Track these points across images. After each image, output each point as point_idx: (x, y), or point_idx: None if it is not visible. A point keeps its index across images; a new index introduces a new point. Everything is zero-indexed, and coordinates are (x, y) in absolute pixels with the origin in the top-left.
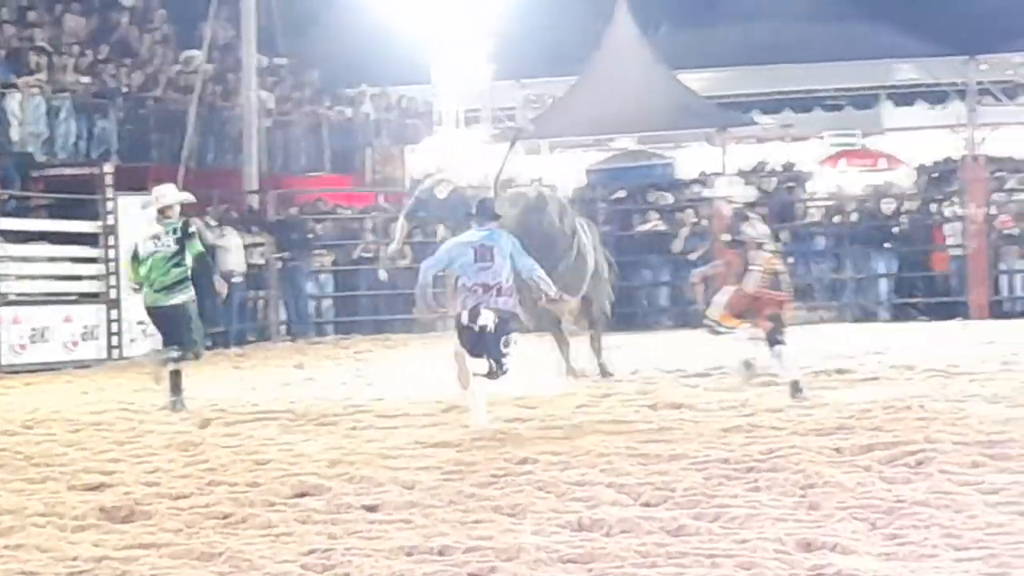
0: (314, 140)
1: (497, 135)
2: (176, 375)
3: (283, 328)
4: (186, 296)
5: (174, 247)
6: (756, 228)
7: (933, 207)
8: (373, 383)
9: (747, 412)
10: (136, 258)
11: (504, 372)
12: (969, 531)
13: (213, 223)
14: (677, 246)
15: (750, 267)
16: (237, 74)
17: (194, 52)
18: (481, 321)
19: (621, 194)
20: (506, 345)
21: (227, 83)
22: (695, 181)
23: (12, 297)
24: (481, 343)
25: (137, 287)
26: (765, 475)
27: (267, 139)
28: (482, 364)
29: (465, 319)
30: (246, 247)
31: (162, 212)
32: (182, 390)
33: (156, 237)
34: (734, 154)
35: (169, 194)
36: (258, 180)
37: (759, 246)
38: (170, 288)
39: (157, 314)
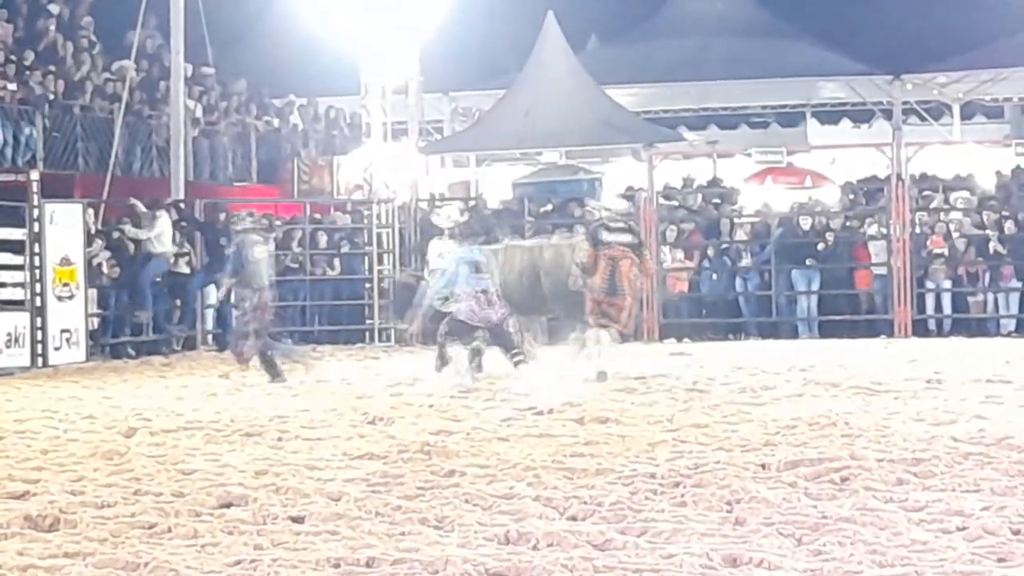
0: (241, 150)
1: (424, 147)
2: None
3: (209, 338)
4: None
5: None
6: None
7: (858, 225)
8: (299, 394)
9: (672, 427)
10: None
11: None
12: (893, 548)
13: (144, 210)
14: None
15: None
16: (165, 83)
17: (125, 62)
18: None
19: (548, 208)
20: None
21: (154, 91)
22: (621, 195)
23: None
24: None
25: None
26: (691, 490)
27: (194, 148)
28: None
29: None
30: (175, 256)
31: None
32: None
33: None
34: (660, 169)
35: None
36: (184, 189)
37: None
38: None
39: None
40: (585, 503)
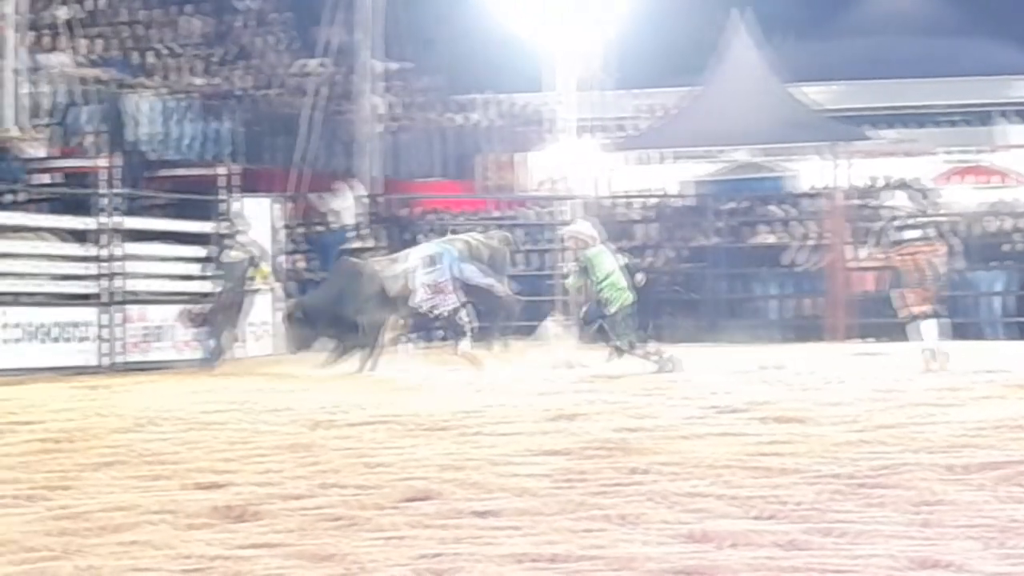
0: (428, 146)
1: (610, 145)
2: None
3: None
4: None
5: None
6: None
7: None
8: (483, 390)
9: (858, 428)
10: None
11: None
12: None
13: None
14: (788, 258)
15: None
16: (353, 78)
17: (315, 60)
18: None
19: (732, 206)
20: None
21: (343, 87)
22: (807, 195)
23: (127, 296)
24: None
25: None
26: (878, 491)
27: (381, 144)
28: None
29: None
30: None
31: None
32: None
33: None
34: (847, 168)
35: None
36: (371, 185)
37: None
38: None
39: None
40: (770, 502)
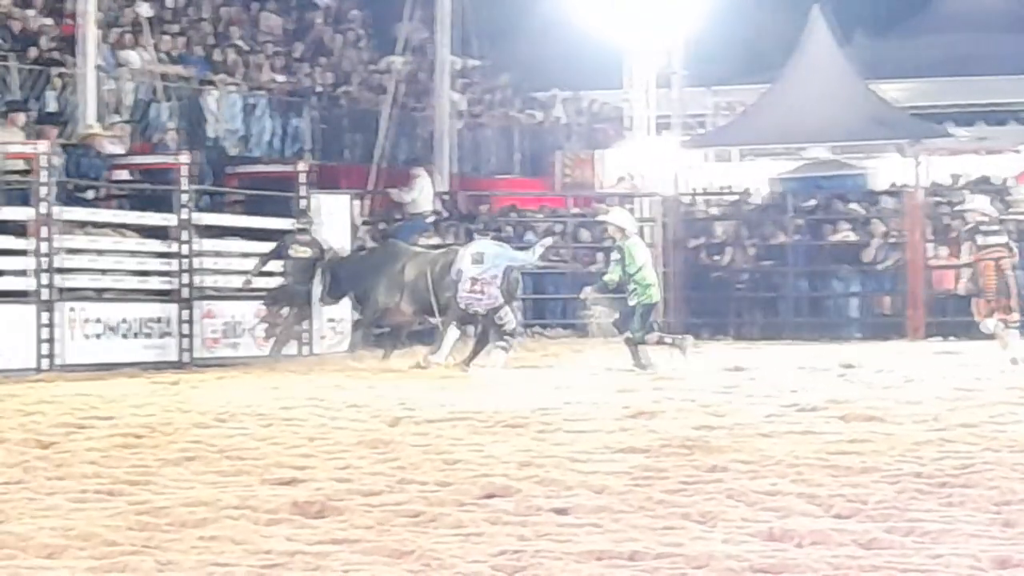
0: (505, 143)
1: (687, 142)
2: None
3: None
4: None
5: None
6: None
7: None
8: (561, 387)
9: (939, 426)
10: None
11: None
12: None
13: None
14: (868, 256)
15: None
16: (430, 75)
17: (394, 57)
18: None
19: (812, 203)
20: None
21: (420, 84)
22: (886, 192)
23: (205, 292)
24: None
25: None
26: (959, 490)
27: (458, 141)
28: None
29: None
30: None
31: None
32: None
33: None
34: (927, 166)
35: None
36: (449, 181)
37: None
38: None
39: None
40: (850, 501)
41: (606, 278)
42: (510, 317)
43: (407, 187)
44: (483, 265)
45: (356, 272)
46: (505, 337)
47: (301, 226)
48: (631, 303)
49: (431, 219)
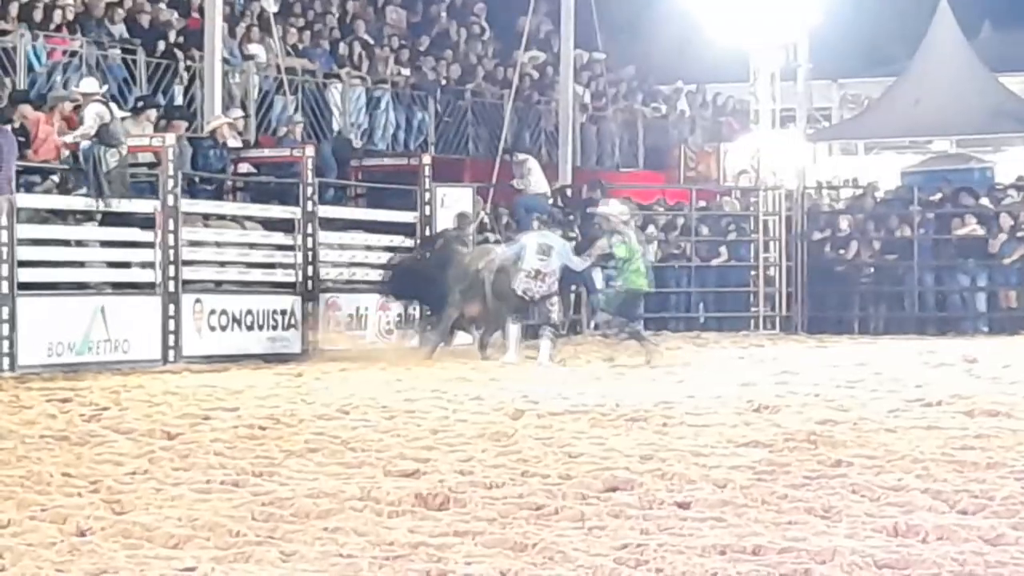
0: (628, 136)
1: (812, 135)
2: None
3: (592, 322)
4: None
5: None
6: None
7: None
8: (683, 380)
9: None
10: None
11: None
12: None
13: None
14: (994, 249)
15: None
16: (554, 69)
17: (535, 52)
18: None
19: (938, 197)
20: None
21: (544, 77)
22: (1013, 185)
23: (329, 284)
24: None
25: None
26: None
27: (582, 134)
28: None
29: None
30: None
31: None
32: None
33: None
34: None
35: None
36: (572, 175)
37: None
38: None
39: None
40: (976, 497)
41: (615, 251)
42: (558, 308)
43: (517, 173)
44: (548, 259)
45: (424, 275)
46: (549, 328)
47: (460, 226)
48: (616, 284)
49: (550, 201)
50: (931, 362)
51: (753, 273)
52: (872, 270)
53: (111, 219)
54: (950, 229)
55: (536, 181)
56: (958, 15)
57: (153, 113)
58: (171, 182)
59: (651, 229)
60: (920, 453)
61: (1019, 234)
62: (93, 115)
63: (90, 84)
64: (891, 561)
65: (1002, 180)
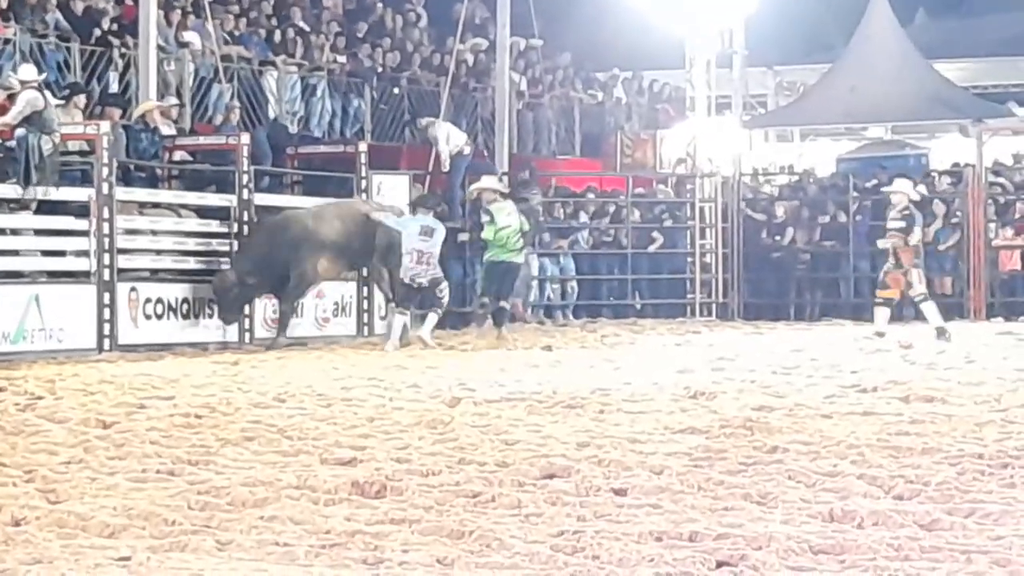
0: (565, 123)
1: (748, 122)
2: None
3: (530, 310)
4: None
5: None
6: None
7: None
8: (620, 367)
9: (1001, 407)
10: None
11: None
12: None
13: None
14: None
15: None
16: (490, 56)
17: (479, 40)
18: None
19: (873, 183)
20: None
21: (480, 65)
22: (948, 172)
23: None
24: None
25: None
26: (1021, 471)
27: (518, 121)
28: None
29: None
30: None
31: None
32: None
33: None
34: (990, 146)
35: None
36: (509, 162)
37: None
38: None
39: None
40: (911, 482)
41: (483, 235)
42: (446, 291)
43: (433, 143)
44: (430, 239)
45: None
46: (436, 308)
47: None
48: (486, 257)
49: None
50: (867, 348)
51: (690, 260)
52: (808, 256)
53: (45, 207)
54: (885, 216)
55: (454, 136)
56: (893, 3)
57: (82, 100)
58: (106, 170)
59: (583, 216)
60: (856, 439)
61: (953, 221)
62: (24, 101)
63: (28, 71)
64: (827, 547)
65: (936, 166)
